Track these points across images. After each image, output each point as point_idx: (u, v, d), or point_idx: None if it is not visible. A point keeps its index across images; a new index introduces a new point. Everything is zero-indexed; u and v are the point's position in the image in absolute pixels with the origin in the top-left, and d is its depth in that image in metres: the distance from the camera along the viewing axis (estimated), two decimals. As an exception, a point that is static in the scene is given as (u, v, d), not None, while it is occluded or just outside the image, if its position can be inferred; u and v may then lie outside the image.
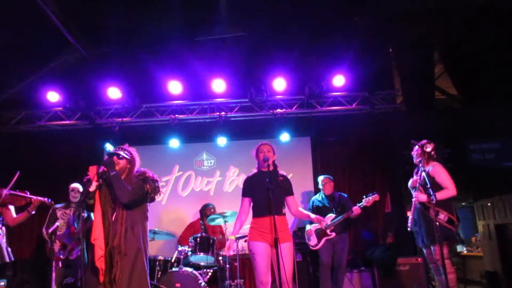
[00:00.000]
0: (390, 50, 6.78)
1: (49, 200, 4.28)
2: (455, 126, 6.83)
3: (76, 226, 4.98)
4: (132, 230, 3.25)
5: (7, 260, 3.97)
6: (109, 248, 3.20)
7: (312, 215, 4.04)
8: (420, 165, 4.39)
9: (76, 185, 5.27)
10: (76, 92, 6.49)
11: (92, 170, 3.31)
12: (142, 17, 5.77)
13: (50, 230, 4.76)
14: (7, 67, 5.90)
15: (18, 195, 4.13)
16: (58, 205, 5.22)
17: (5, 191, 4.01)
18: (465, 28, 5.86)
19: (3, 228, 4.18)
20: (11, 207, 4.27)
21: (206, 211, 6.08)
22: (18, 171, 4.09)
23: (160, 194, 3.53)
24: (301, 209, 4.05)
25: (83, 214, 3.33)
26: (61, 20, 5.28)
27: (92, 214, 5.17)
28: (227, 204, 6.49)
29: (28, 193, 4.21)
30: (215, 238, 5.28)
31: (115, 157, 3.39)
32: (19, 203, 4.14)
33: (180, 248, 5.28)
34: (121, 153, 3.43)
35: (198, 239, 5.16)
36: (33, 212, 4.22)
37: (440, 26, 5.93)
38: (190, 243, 5.20)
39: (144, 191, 3.32)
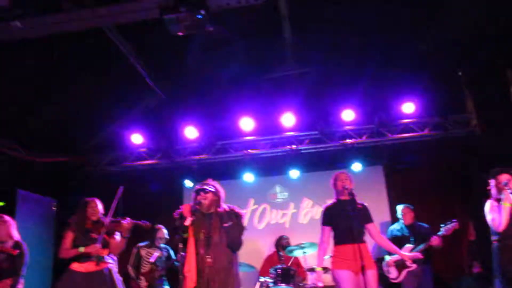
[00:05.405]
0: (460, 74, 6.65)
1: (146, 222, 4.25)
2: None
3: (159, 265, 5.33)
4: (232, 265, 3.56)
5: None
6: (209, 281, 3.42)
7: (394, 247, 4.07)
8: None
9: (164, 231, 5.66)
10: (157, 133, 7.03)
11: (186, 208, 3.57)
12: (214, 62, 6.18)
13: (151, 260, 5.13)
14: (99, 114, 6.57)
15: (117, 222, 4.13)
16: (141, 244, 5.60)
17: (107, 219, 4.09)
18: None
19: (115, 256, 4.26)
20: (118, 235, 4.21)
21: (281, 242, 6.20)
22: (122, 186, 4.17)
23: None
24: (385, 240, 4.09)
25: (181, 246, 3.57)
26: (144, 68, 5.82)
27: (172, 253, 5.55)
28: (302, 235, 6.50)
29: (129, 219, 4.15)
30: (295, 269, 5.35)
31: (202, 193, 3.66)
32: (119, 229, 4.11)
33: (261, 280, 5.40)
34: (206, 187, 3.70)
35: (279, 270, 5.25)
36: (128, 236, 4.15)
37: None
38: (271, 275, 5.30)
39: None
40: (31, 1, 3.62)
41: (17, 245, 4.51)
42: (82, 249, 4.03)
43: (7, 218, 4.59)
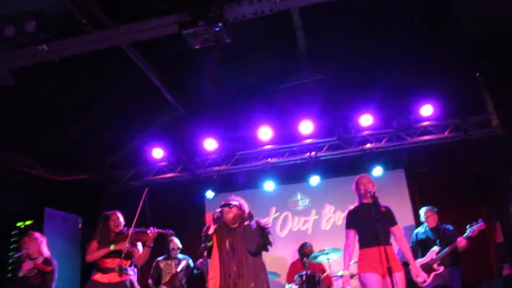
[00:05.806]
0: (477, 74, 6.59)
1: (169, 230, 4.32)
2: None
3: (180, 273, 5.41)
4: (260, 270, 3.69)
5: None
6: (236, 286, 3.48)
7: (410, 256, 4.03)
8: None
9: (176, 243, 5.75)
10: (177, 147, 7.12)
11: (209, 216, 3.68)
12: (230, 73, 6.26)
13: (178, 270, 5.22)
14: (120, 130, 6.70)
15: (141, 232, 4.16)
16: (159, 258, 5.71)
17: (131, 230, 4.13)
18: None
19: (135, 269, 4.30)
20: (139, 245, 4.25)
21: (304, 249, 6.23)
22: (147, 188, 4.33)
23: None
24: (406, 246, 4.05)
25: (205, 255, 3.63)
26: (163, 84, 5.94)
27: (191, 262, 5.63)
28: (325, 241, 6.50)
29: (153, 228, 4.17)
30: (320, 275, 5.35)
31: (226, 207, 3.72)
32: (144, 239, 4.15)
33: (287, 286, 5.42)
34: (231, 202, 3.77)
35: (304, 276, 5.27)
36: (152, 245, 4.18)
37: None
38: (296, 281, 5.33)
39: (266, 243, 3.70)
40: (54, 25, 3.76)
41: (47, 261, 4.62)
42: (112, 247, 4.05)
43: (37, 235, 4.72)
